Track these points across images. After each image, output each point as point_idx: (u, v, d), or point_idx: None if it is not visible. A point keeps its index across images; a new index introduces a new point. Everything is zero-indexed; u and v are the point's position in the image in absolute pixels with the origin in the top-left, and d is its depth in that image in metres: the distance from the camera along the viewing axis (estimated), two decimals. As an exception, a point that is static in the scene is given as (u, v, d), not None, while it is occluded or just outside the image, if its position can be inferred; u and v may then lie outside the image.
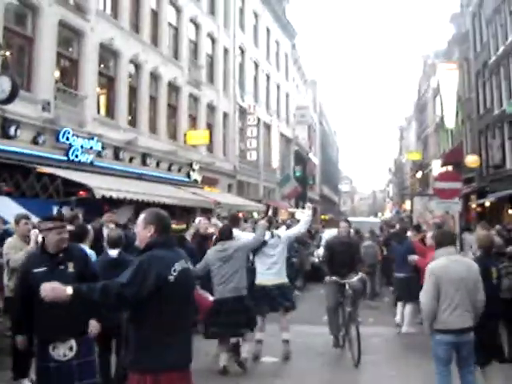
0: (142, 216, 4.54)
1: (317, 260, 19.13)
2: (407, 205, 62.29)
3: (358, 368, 8.73)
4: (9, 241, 8.25)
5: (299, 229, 10.23)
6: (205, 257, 8.59)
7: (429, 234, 11.24)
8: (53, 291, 4.19)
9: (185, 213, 22.01)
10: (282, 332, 9.34)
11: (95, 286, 4.25)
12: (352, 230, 13.28)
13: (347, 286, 9.63)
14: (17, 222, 8.57)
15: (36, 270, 5.33)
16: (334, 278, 9.71)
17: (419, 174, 58.57)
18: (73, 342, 5.37)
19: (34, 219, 10.18)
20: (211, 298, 8.41)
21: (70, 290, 4.15)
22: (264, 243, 9.31)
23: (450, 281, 6.11)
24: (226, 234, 8.80)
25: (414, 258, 10.93)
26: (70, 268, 5.50)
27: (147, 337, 4.25)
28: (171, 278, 4.26)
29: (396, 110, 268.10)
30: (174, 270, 4.29)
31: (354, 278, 9.72)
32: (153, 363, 4.21)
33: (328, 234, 17.92)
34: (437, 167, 43.63)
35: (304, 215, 11.03)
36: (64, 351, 5.33)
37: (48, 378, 5.31)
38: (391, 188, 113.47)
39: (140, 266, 4.24)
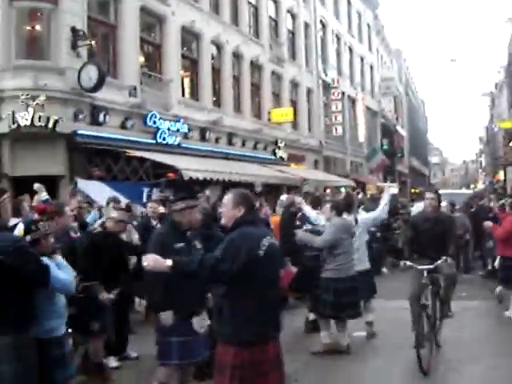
0: (229, 196, 4.65)
1: None
2: (501, 175, 60.11)
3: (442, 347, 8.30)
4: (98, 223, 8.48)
5: (379, 214, 9.75)
6: (333, 229, 8.19)
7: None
8: (155, 262, 4.38)
9: (271, 191, 22.10)
10: (367, 313, 9.06)
11: (193, 259, 4.53)
12: (445, 203, 12.70)
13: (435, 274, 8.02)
14: (107, 204, 8.87)
15: (177, 246, 5.52)
16: (408, 263, 8.04)
17: (513, 143, 56.42)
18: (205, 315, 5.67)
19: (124, 201, 10.60)
20: (294, 269, 8.47)
21: (169, 261, 4.33)
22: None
23: None
24: (347, 207, 8.72)
25: (488, 224, 10.54)
26: (198, 245, 5.80)
27: (241, 310, 4.36)
28: (261, 252, 4.38)
29: (485, 76, 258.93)
30: (263, 245, 4.41)
31: (439, 262, 7.82)
32: (248, 336, 4.34)
33: (417, 207, 17.40)
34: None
35: (383, 197, 10.12)
36: (202, 323, 5.61)
37: (190, 350, 5.57)
38: (483, 158, 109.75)
39: (232, 243, 4.38)
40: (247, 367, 4.33)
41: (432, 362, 7.23)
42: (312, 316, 9.46)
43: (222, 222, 4.79)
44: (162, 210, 10.80)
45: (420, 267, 7.83)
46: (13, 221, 7.39)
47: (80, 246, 7.09)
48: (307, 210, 9.85)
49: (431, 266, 7.78)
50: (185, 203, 5.76)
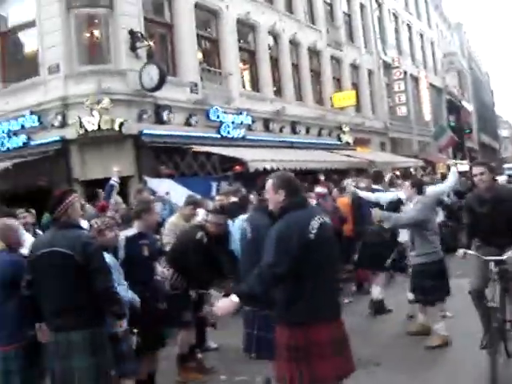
0: (270, 182, 4.56)
1: None
2: None
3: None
4: (171, 220, 8.48)
5: (443, 188, 9.61)
6: (421, 206, 7.76)
7: None
8: (224, 309, 4.29)
9: (340, 176, 21.89)
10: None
11: (250, 282, 4.27)
12: (505, 177, 12.03)
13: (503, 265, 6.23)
14: (185, 204, 8.89)
15: None
16: (470, 252, 6.53)
17: None
18: None
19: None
20: None
21: (235, 298, 4.23)
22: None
23: None
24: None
25: None
26: None
27: (294, 292, 4.31)
28: (311, 236, 4.28)
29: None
30: (313, 228, 4.30)
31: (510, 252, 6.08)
32: (301, 316, 4.29)
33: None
34: None
35: (450, 173, 9.86)
36: None
37: None
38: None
39: (279, 238, 4.27)
40: (302, 348, 4.28)
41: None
42: (377, 296, 9.40)
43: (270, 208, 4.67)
44: (233, 199, 10.82)
45: (486, 258, 6.27)
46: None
47: (184, 248, 7.14)
48: (363, 194, 9.66)
49: (501, 258, 6.12)
50: None
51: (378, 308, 9.40)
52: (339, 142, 27.55)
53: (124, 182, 15.41)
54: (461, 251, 6.51)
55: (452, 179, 9.53)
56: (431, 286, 7.50)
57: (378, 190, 10.18)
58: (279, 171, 4.83)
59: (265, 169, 16.41)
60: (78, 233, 4.86)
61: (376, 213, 8.27)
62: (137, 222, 6.45)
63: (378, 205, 9.29)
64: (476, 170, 6.41)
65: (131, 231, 6.38)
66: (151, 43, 16.77)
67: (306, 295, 4.31)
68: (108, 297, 4.78)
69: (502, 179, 18.81)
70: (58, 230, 4.83)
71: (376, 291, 9.56)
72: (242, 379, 6.60)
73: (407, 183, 8.43)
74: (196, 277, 6.92)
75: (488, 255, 6.27)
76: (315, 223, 4.34)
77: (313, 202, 9.86)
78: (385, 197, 9.39)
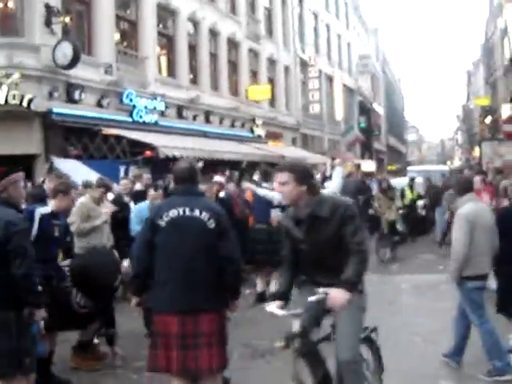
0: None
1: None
2: (477, 152, 60.52)
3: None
4: (80, 200, 8.35)
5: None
6: None
7: (476, 178, 10.63)
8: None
9: (250, 168, 22.11)
10: None
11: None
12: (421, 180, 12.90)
13: None
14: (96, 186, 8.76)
15: None
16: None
17: (488, 120, 56.74)
18: None
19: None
20: None
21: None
22: None
23: (482, 227, 6.13)
24: None
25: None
26: None
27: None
28: (162, 223, 4.65)
29: (462, 54, 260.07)
30: (167, 216, 4.66)
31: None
32: (152, 304, 4.72)
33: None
34: (506, 111, 42.20)
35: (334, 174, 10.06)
36: None
37: None
38: (460, 135, 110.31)
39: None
40: (154, 334, 4.70)
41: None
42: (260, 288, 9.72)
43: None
44: (138, 187, 10.81)
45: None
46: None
47: None
48: (262, 192, 9.67)
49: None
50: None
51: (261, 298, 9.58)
52: (251, 135, 27.79)
53: (30, 160, 15.10)
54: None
55: (336, 181, 9.66)
56: None
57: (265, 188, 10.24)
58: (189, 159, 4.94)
59: (175, 156, 16.39)
60: (8, 211, 4.75)
61: (275, 216, 8.29)
62: (53, 200, 6.36)
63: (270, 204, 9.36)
64: (278, 177, 4.40)
65: (46, 209, 6.27)
66: (67, 19, 16.39)
67: (158, 280, 4.57)
68: (25, 284, 4.62)
69: (401, 182, 20.15)
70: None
71: (259, 284, 9.86)
72: (141, 365, 6.63)
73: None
74: None
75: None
76: (174, 212, 4.52)
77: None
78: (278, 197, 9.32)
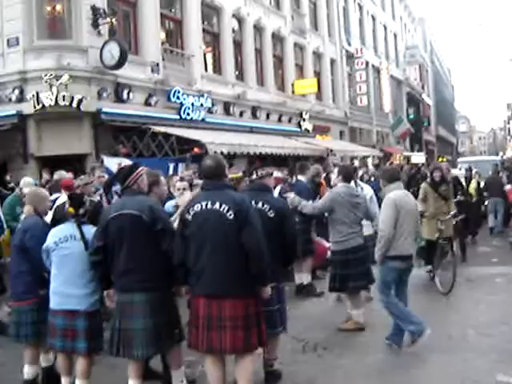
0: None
1: None
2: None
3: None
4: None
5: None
6: (330, 196, 7.75)
7: None
8: None
9: (298, 162, 22.04)
10: None
11: None
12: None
13: None
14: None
15: None
16: None
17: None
18: None
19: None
20: (327, 245, 8.31)
21: None
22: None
23: (407, 211, 6.74)
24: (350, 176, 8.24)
25: (508, 187, 10.34)
26: None
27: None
28: (189, 216, 5.05)
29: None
30: (192, 209, 5.05)
31: None
32: (191, 288, 5.14)
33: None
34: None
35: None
36: None
37: None
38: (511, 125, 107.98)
39: None
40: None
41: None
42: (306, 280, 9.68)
43: None
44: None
45: None
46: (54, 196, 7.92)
47: None
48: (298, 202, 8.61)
49: None
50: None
51: (307, 291, 9.61)
52: (299, 129, 27.69)
53: (81, 159, 15.38)
54: None
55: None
56: (347, 274, 7.52)
57: (301, 182, 10.16)
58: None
59: (222, 152, 16.44)
60: (145, 198, 5.36)
61: (293, 199, 8.21)
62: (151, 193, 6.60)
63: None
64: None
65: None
66: (114, 20, 16.60)
67: (192, 271, 4.93)
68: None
69: (458, 173, 18.48)
70: (128, 197, 5.33)
71: (303, 276, 9.76)
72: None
73: (336, 169, 8.62)
74: None
75: None
76: (198, 206, 4.90)
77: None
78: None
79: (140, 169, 5.50)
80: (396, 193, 6.83)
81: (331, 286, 7.84)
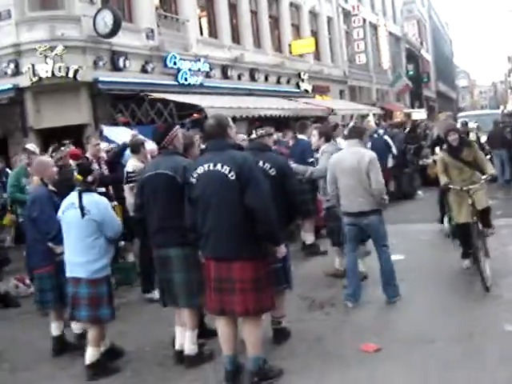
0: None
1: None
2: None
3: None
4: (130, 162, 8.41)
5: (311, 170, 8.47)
6: (326, 155, 7.73)
7: None
8: None
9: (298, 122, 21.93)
10: None
11: None
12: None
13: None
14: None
15: None
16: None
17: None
18: None
19: (152, 144, 10.65)
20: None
21: None
22: None
23: (341, 171, 6.82)
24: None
25: None
26: None
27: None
28: (193, 179, 5.04)
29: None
30: (195, 172, 5.03)
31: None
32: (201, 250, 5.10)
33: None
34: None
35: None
36: None
37: None
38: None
39: None
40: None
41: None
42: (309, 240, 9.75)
43: None
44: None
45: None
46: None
47: None
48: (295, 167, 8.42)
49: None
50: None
51: (311, 250, 9.70)
52: (298, 90, 27.50)
53: (80, 130, 15.31)
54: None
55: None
56: (338, 227, 7.61)
57: (303, 140, 10.12)
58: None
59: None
60: (180, 159, 5.46)
61: (297, 169, 8.16)
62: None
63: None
64: None
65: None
66: (106, -13, 16.39)
67: (201, 233, 4.90)
68: None
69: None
70: (164, 157, 5.50)
71: (306, 236, 9.85)
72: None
73: (315, 131, 8.47)
74: None
75: None
76: (201, 168, 4.87)
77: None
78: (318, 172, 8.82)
79: (175, 129, 5.65)
80: (337, 154, 7.18)
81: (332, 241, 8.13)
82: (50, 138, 13.62)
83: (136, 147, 8.38)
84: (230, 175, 4.72)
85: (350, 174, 6.73)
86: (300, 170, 8.26)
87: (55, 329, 6.10)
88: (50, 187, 6.18)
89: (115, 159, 9.37)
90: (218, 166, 4.78)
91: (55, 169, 6.34)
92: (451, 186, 7.50)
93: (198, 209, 4.89)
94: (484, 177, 7.51)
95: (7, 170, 12.13)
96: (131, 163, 8.16)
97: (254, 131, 5.96)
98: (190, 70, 19.33)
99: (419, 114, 43.75)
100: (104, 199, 5.67)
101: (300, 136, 10.37)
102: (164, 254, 5.35)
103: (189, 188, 4.98)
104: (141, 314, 7.34)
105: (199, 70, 19.92)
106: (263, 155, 5.68)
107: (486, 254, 7.35)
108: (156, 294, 7.81)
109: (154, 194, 5.37)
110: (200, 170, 4.88)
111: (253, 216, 4.70)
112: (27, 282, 8.21)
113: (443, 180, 7.58)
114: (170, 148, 5.49)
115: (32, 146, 10.86)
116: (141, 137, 9.26)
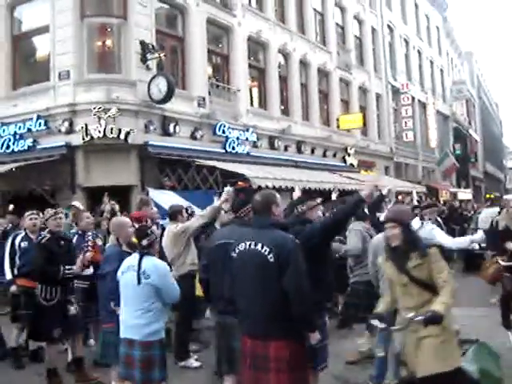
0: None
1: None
2: None
3: None
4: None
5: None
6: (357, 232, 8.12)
7: None
8: None
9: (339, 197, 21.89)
10: None
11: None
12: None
13: None
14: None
15: None
16: None
17: None
18: None
19: (196, 209, 10.83)
20: None
21: None
22: None
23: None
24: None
25: None
26: None
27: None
28: (234, 255, 5.04)
29: None
30: (237, 249, 5.04)
31: None
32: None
33: (486, 214, 14.68)
34: None
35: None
36: None
37: None
38: None
39: None
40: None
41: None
42: None
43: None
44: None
45: None
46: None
47: None
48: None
49: None
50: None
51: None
52: (343, 164, 27.60)
53: (127, 191, 15.59)
54: None
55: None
56: (355, 305, 7.69)
57: None
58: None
59: (267, 186, 16.44)
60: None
61: (335, 247, 8.18)
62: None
63: None
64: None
65: None
66: (162, 55, 16.89)
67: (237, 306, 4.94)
68: None
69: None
70: (238, 227, 5.53)
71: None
72: None
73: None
74: None
75: None
76: (242, 245, 4.84)
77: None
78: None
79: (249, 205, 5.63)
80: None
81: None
82: (97, 196, 13.93)
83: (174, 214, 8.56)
84: (269, 257, 4.67)
85: None
86: (335, 247, 8.25)
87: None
88: (124, 248, 6.27)
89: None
90: (259, 246, 4.73)
91: (131, 229, 6.38)
92: None
93: (236, 284, 4.93)
94: None
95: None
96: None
97: (295, 208, 6.03)
98: (237, 138, 19.65)
99: (465, 194, 43.36)
100: (164, 264, 5.71)
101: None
102: (229, 322, 5.39)
103: (230, 261, 4.97)
104: (172, 380, 7.27)
105: (247, 139, 20.23)
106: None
107: None
108: (192, 363, 7.80)
109: (217, 262, 5.55)
110: (241, 246, 4.87)
111: (289, 299, 4.64)
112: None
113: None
114: (244, 218, 5.68)
115: (77, 203, 11.06)
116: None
